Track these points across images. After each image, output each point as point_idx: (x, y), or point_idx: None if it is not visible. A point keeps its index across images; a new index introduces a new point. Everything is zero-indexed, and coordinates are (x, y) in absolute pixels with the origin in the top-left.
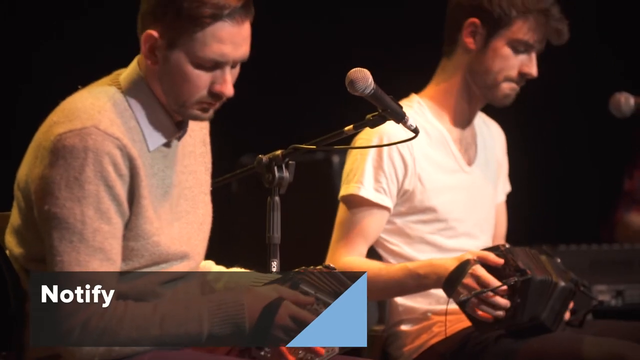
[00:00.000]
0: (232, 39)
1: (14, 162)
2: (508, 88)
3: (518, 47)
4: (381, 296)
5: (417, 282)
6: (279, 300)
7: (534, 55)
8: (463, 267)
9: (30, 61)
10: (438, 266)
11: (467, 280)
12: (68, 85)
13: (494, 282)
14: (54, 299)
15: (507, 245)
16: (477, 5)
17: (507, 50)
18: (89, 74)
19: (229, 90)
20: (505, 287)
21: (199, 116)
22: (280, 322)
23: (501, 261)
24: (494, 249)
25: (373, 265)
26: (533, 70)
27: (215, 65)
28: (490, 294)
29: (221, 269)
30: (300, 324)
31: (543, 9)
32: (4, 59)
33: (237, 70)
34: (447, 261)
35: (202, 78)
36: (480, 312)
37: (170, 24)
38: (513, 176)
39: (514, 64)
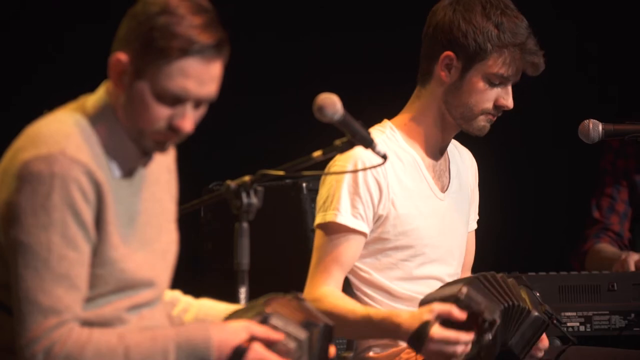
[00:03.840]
0: (198, 76)
1: None
2: (484, 120)
3: (493, 80)
4: (345, 334)
5: (382, 335)
6: (248, 342)
7: (509, 88)
8: (423, 328)
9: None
10: (396, 317)
11: (432, 347)
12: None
13: (462, 337)
14: (18, 326)
15: (465, 290)
16: (452, 39)
17: (482, 84)
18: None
19: (187, 126)
20: (476, 342)
21: (153, 148)
22: None
23: (464, 316)
24: (452, 299)
25: (341, 306)
26: (509, 102)
27: (176, 99)
28: (462, 347)
29: (189, 299)
30: None
31: (518, 44)
32: None
33: (201, 110)
34: (406, 320)
35: (162, 111)
36: None
37: (139, 52)
38: (485, 204)
39: (490, 96)
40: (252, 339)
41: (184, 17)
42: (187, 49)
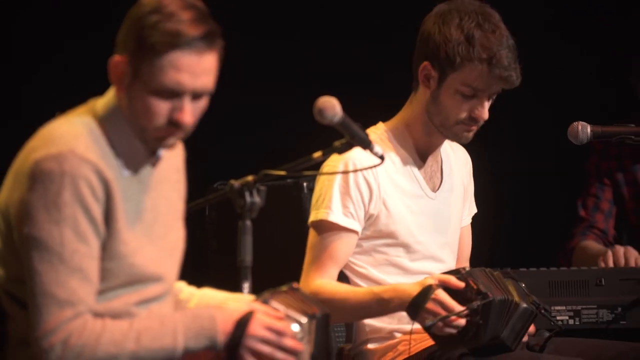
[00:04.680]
0: (190, 68)
1: None
2: (460, 130)
3: (465, 92)
4: (349, 319)
5: (382, 306)
6: (250, 313)
7: (484, 100)
8: (425, 293)
9: (20, 90)
10: (401, 291)
11: (431, 305)
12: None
13: (456, 306)
14: (33, 318)
15: (467, 268)
16: (428, 49)
17: (456, 96)
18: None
19: (186, 119)
20: (468, 310)
21: (157, 145)
22: (253, 332)
23: (462, 285)
24: (454, 272)
25: (342, 289)
26: (483, 114)
27: (172, 93)
28: (454, 317)
29: (192, 289)
30: (276, 333)
31: (486, 58)
32: None
33: (201, 103)
34: (410, 286)
35: (161, 106)
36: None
37: (134, 52)
38: (479, 205)
39: (464, 108)
40: (254, 311)
41: (174, 14)
42: (175, 43)
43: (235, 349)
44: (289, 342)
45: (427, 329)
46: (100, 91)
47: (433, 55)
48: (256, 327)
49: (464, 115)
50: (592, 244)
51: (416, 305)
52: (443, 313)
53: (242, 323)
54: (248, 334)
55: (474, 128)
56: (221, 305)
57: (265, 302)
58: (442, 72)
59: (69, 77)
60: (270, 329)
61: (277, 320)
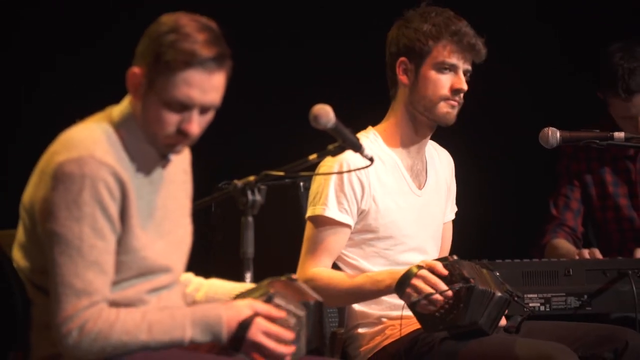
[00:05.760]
0: (201, 85)
1: (10, 192)
2: (445, 106)
3: (442, 68)
4: (344, 301)
5: (375, 286)
6: (252, 317)
7: (460, 73)
8: (412, 270)
9: (27, 97)
10: (394, 272)
11: (415, 281)
12: (63, 120)
13: (439, 283)
14: (54, 306)
15: (455, 257)
16: (401, 46)
17: (434, 74)
18: (81, 109)
19: (194, 129)
20: (450, 291)
21: (166, 150)
22: (252, 337)
23: (446, 272)
24: (442, 260)
25: (337, 275)
26: (462, 85)
27: (183, 107)
28: (438, 295)
29: (200, 280)
30: (274, 337)
31: (453, 31)
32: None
33: (208, 116)
34: (401, 270)
35: (171, 117)
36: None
37: (151, 66)
38: (461, 201)
39: (444, 83)
40: (256, 314)
41: (190, 35)
42: (190, 62)
43: (235, 347)
44: (282, 348)
45: (412, 306)
46: (93, 106)
47: (407, 50)
48: (256, 333)
49: (444, 91)
50: (563, 243)
51: (403, 282)
52: (427, 289)
53: (244, 326)
54: (247, 337)
55: (456, 103)
56: (229, 304)
57: (269, 299)
58: (419, 60)
59: (61, 93)
60: (268, 334)
61: (278, 318)
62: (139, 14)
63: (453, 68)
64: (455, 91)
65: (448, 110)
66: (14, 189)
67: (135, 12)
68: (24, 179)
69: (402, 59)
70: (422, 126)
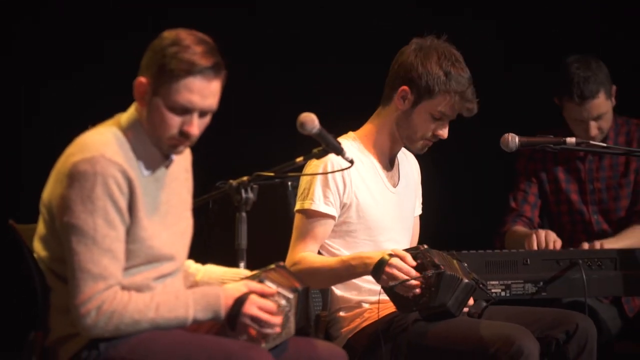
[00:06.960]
0: (201, 91)
1: (26, 192)
2: (422, 144)
3: (436, 116)
4: (325, 283)
5: (348, 271)
6: (247, 294)
7: (447, 123)
8: (384, 258)
9: (38, 101)
10: (365, 257)
11: (388, 269)
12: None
13: (411, 270)
14: (72, 290)
15: (425, 246)
16: (410, 77)
17: (427, 117)
18: (91, 117)
19: (194, 131)
20: (422, 277)
21: (170, 151)
22: (247, 311)
23: (414, 262)
24: (415, 249)
25: (318, 259)
26: (445, 134)
27: (184, 110)
28: (413, 281)
29: (199, 266)
30: (266, 311)
31: (460, 91)
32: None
33: (206, 119)
34: (371, 253)
35: (174, 120)
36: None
37: (155, 75)
38: (428, 196)
39: (430, 128)
40: (250, 292)
41: (189, 47)
42: (190, 70)
43: (233, 321)
44: (273, 319)
45: (387, 290)
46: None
47: (413, 83)
48: (250, 307)
49: (429, 133)
50: (521, 229)
51: (377, 270)
52: (400, 276)
53: (240, 301)
54: (243, 311)
55: (431, 144)
56: (225, 285)
57: (261, 281)
58: (419, 97)
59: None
60: (261, 308)
61: (270, 295)
62: (141, 34)
63: (444, 118)
64: (436, 136)
65: (423, 148)
66: (31, 189)
67: (140, 30)
68: (40, 180)
69: (405, 87)
70: (397, 143)
